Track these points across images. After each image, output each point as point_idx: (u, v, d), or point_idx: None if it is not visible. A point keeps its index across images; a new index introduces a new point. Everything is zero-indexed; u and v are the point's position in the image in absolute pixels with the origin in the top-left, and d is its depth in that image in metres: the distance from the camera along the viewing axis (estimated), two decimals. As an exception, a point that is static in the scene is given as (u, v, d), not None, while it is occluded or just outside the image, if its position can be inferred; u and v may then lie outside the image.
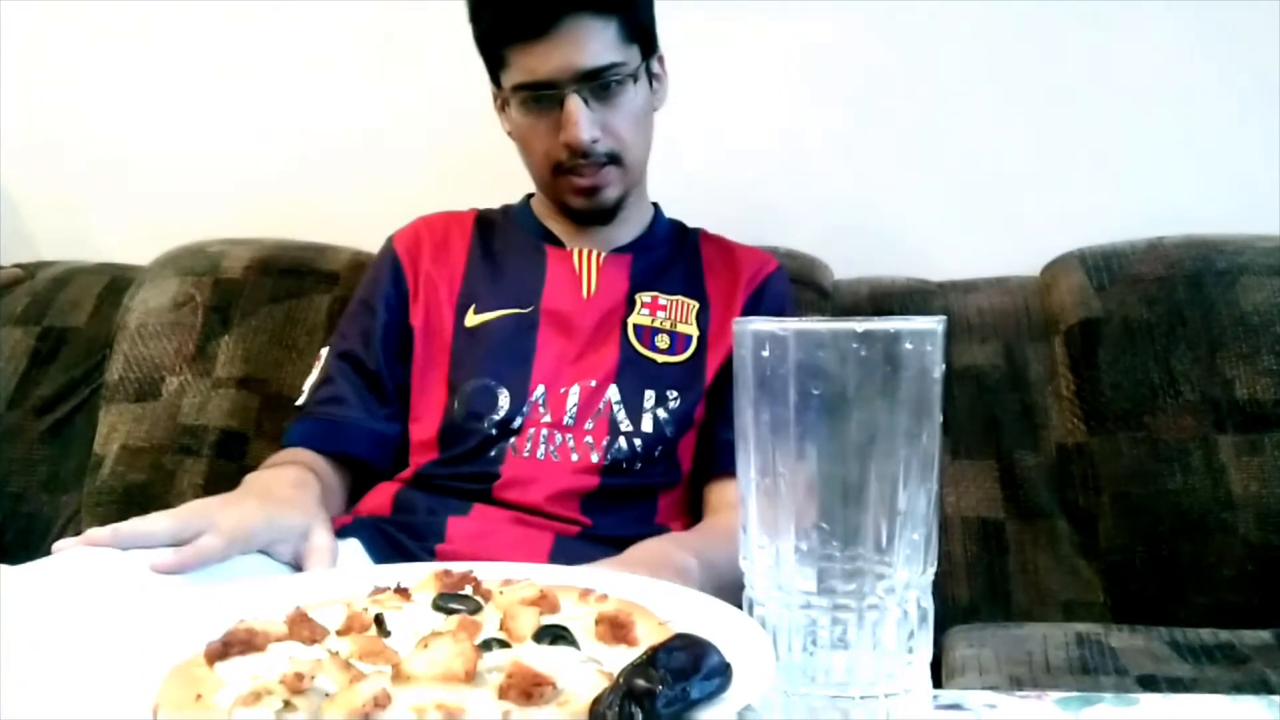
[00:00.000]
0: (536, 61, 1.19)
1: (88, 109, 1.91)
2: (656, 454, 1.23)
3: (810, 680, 0.56)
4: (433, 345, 1.29)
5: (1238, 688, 1.11)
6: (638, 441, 1.22)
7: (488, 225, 1.37)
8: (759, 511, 0.57)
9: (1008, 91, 1.70)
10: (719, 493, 1.25)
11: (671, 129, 1.70)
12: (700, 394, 1.27)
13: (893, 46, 1.71)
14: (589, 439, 1.22)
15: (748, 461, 0.57)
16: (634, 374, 1.25)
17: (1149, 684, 1.12)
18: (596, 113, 1.21)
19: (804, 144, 1.74)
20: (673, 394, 1.25)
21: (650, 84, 1.29)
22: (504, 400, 1.22)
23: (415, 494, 1.21)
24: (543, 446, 1.21)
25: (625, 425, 1.23)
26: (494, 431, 1.21)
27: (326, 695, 0.47)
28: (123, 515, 1.49)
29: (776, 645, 0.56)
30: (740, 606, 0.59)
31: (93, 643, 0.55)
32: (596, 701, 0.46)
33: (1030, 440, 1.45)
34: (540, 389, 1.23)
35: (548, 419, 1.22)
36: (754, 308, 1.33)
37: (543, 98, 1.21)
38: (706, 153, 1.73)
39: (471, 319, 1.28)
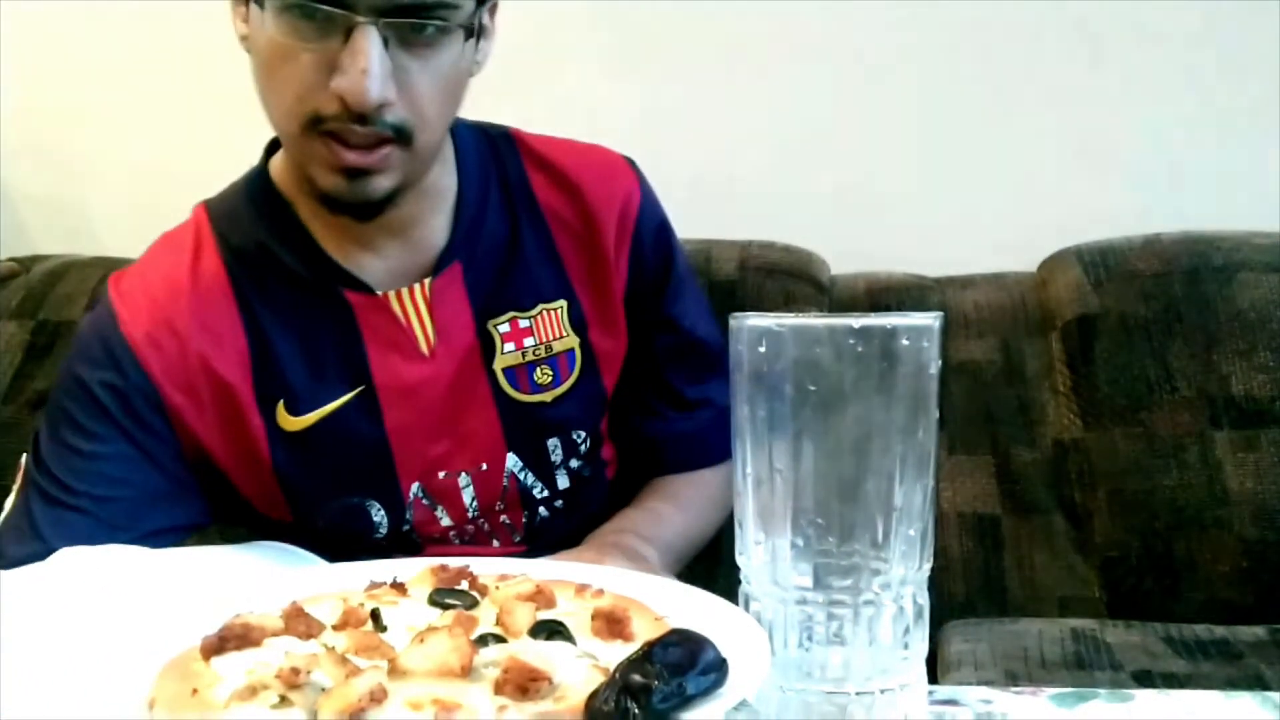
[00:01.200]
0: None
1: (84, 103, 1.90)
2: (581, 499, 1.06)
3: (806, 676, 0.56)
4: (244, 467, 0.96)
5: (1232, 684, 1.11)
6: (559, 503, 1.04)
7: (240, 254, 0.97)
8: (755, 507, 0.57)
9: (1005, 87, 1.69)
10: (670, 486, 1.08)
11: (667, 123, 1.70)
12: (604, 411, 1.07)
13: (890, 40, 1.71)
14: (505, 520, 1.03)
15: (744, 457, 0.57)
16: (526, 430, 1.01)
17: (1144, 680, 1.13)
18: (398, 64, 0.84)
19: (801, 138, 1.73)
20: (579, 434, 1.03)
21: (476, 42, 0.91)
22: (379, 515, 0.98)
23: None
24: (456, 542, 1.01)
25: (540, 492, 1.03)
26: (385, 545, 0.99)
27: (322, 690, 0.47)
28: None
29: (772, 641, 0.56)
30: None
31: (88, 638, 0.55)
32: (593, 696, 0.46)
33: (1026, 436, 1.45)
34: (415, 488, 0.98)
35: (446, 521, 1.00)
36: (639, 278, 1.04)
37: (324, 15, 0.81)
38: (701, 147, 1.73)
39: (289, 421, 0.95)
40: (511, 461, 1.01)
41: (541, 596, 0.59)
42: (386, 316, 0.96)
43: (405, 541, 1.01)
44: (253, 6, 0.87)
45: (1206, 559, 1.35)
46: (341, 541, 0.97)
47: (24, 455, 0.97)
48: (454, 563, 0.65)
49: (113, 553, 0.82)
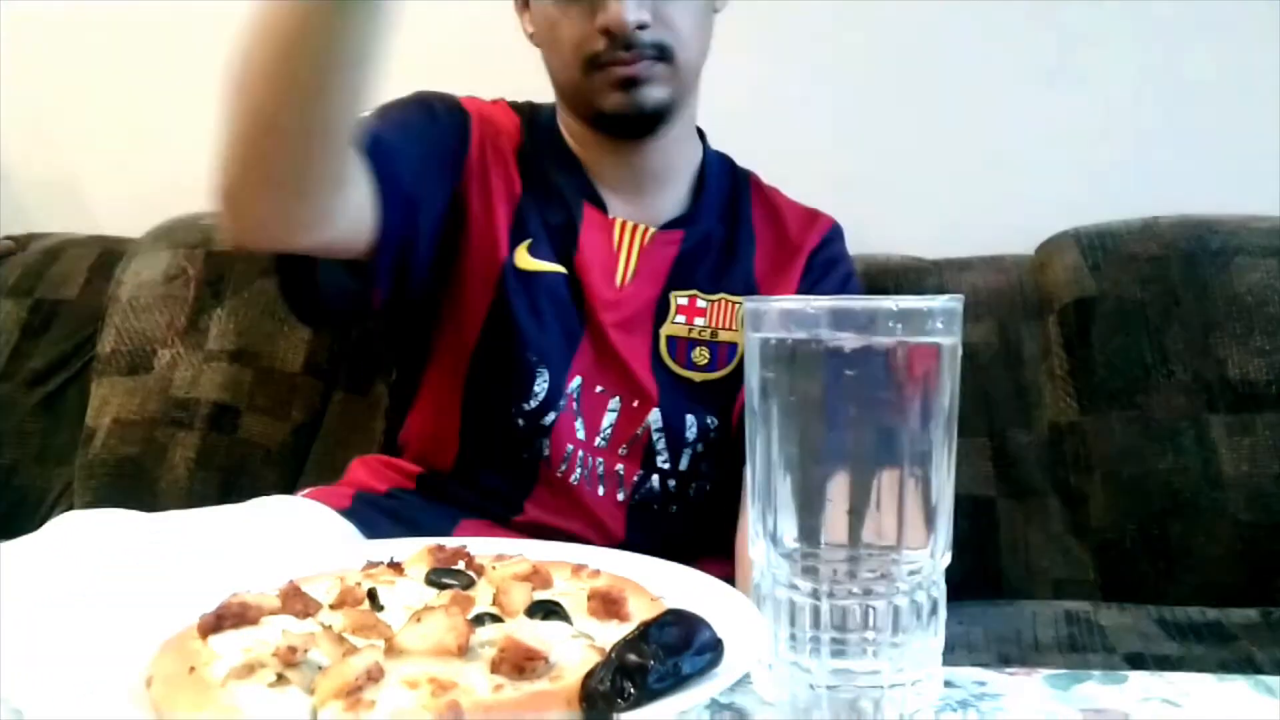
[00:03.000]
0: None
1: (81, 81, 1.89)
2: (692, 493, 1.09)
3: (821, 670, 0.55)
4: (479, 268, 1.06)
5: (1225, 666, 1.12)
6: (671, 482, 1.08)
7: (530, 134, 1.13)
8: (768, 499, 0.57)
9: (1004, 69, 1.69)
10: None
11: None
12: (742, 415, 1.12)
13: (890, 24, 1.70)
14: (620, 469, 1.07)
15: (757, 447, 0.57)
16: (675, 396, 1.08)
17: (1137, 662, 1.13)
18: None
19: (797, 121, 1.73)
20: (713, 421, 1.08)
21: None
22: (541, 385, 1.05)
23: (417, 500, 1.07)
24: (577, 470, 1.06)
25: (663, 460, 1.07)
26: (521, 422, 1.05)
27: (319, 668, 0.47)
28: (115, 488, 1.51)
29: (788, 637, 0.55)
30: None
31: (86, 615, 0.55)
32: (589, 676, 0.46)
33: (1023, 418, 1.46)
34: (577, 381, 1.06)
35: (581, 433, 1.06)
36: (806, 290, 1.13)
37: None
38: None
39: (525, 259, 1.07)
40: (654, 417, 1.07)
41: (538, 576, 0.59)
42: (606, 236, 1.09)
43: (533, 441, 1.05)
44: (529, 7, 1.08)
45: (1200, 542, 1.35)
46: (487, 415, 1.06)
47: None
48: (451, 543, 0.65)
49: (113, 523, 0.82)
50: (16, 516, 1.57)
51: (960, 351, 0.56)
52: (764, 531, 0.57)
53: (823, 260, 1.16)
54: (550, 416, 1.05)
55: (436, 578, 0.60)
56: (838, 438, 0.55)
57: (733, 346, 1.10)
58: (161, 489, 1.51)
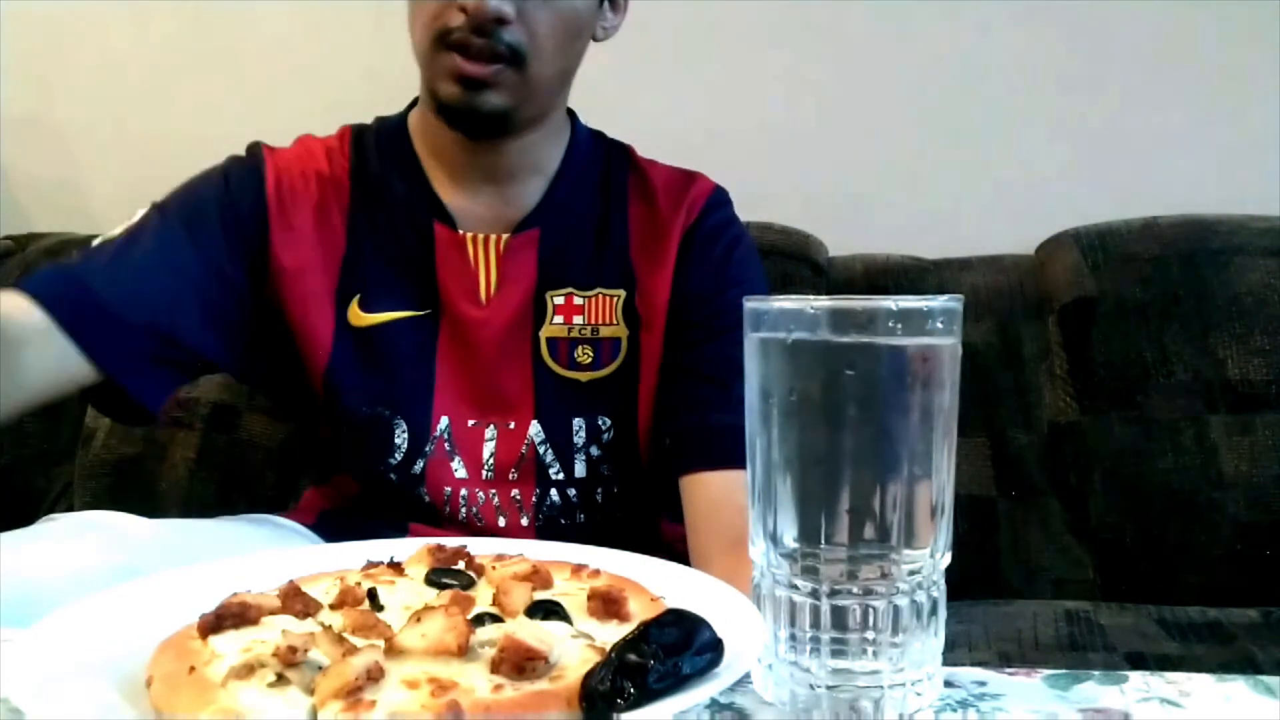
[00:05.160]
0: None
1: (82, 81, 1.89)
2: (599, 499, 1.06)
3: (821, 670, 0.55)
4: (310, 331, 1.03)
5: (1225, 666, 1.12)
6: (572, 491, 1.05)
7: (360, 172, 1.08)
8: (769, 499, 0.56)
9: (1004, 69, 1.69)
10: (700, 488, 0.99)
11: (666, 101, 1.70)
12: (635, 411, 1.06)
13: (889, 23, 1.71)
14: (515, 494, 1.04)
15: (757, 446, 0.57)
16: (556, 402, 1.04)
17: (1137, 661, 1.13)
18: None
19: (800, 120, 1.73)
20: (605, 422, 1.04)
21: (601, 2, 1.04)
22: (401, 437, 1.03)
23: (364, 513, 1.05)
24: (463, 509, 1.03)
25: (556, 472, 1.04)
26: (393, 477, 1.03)
27: (319, 668, 0.47)
28: (115, 487, 1.51)
29: (788, 637, 0.55)
30: None
31: (85, 615, 0.55)
32: (589, 676, 0.46)
33: (1023, 418, 1.46)
34: (444, 422, 1.03)
35: (461, 472, 1.03)
36: (684, 272, 1.06)
37: None
38: (699, 127, 1.72)
39: (359, 316, 1.04)
40: (535, 430, 1.04)
41: (538, 576, 0.59)
42: (460, 255, 1.04)
43: (411, 498, 1.03)
44: None
45: (1200, 542, 1.36)
46: (354, 471, 1.05)
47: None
48: (451, 543, 0.65)
49: (111, 524, 0.82)
50: (16, 517, 1.56)
51: (960, 351, 0.56)
52: (764, 531, 0.57)
53: (703, 236, 1.08)
54: (419, 465, 1.03)
55: (436, 578, 0.60)
56: (837, 438, 0.54)
57: (616, 342, 1.05)
58: (161, 489, 1.51)
